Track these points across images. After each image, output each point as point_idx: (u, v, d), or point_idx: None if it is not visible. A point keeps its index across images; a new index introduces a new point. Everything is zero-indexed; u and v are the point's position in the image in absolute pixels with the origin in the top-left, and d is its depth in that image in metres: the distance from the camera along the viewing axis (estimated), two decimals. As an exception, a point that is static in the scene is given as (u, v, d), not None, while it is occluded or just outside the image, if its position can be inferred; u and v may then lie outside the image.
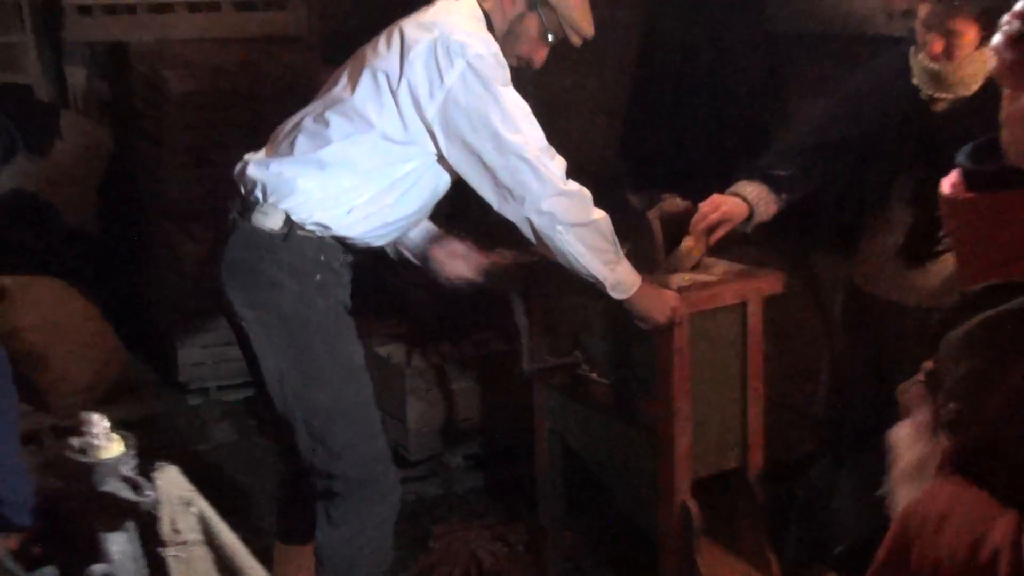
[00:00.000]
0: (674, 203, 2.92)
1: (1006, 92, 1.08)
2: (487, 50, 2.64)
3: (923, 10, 2.53)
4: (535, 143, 2.63)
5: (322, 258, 2.71)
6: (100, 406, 1.67)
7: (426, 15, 2.74)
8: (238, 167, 2.81)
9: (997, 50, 1.08)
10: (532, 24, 2.79)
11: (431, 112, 2.63)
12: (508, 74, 2.69)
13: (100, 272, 4.71)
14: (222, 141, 4.56)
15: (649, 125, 3.56)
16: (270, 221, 2.68)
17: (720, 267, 2.93)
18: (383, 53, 2.70)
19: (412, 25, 2.70)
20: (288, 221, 2.68)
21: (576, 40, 2.83)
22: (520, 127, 2.62)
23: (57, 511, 1.73)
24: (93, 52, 5.37)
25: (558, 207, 2.59)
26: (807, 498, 3.09)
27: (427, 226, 3.01)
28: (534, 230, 2.62)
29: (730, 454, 2.94)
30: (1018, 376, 0.88)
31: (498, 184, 2.61)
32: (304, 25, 5.50)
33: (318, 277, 2.71)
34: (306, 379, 2.70)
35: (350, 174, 2.73)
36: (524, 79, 2.81)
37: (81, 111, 5.24)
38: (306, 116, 2.78)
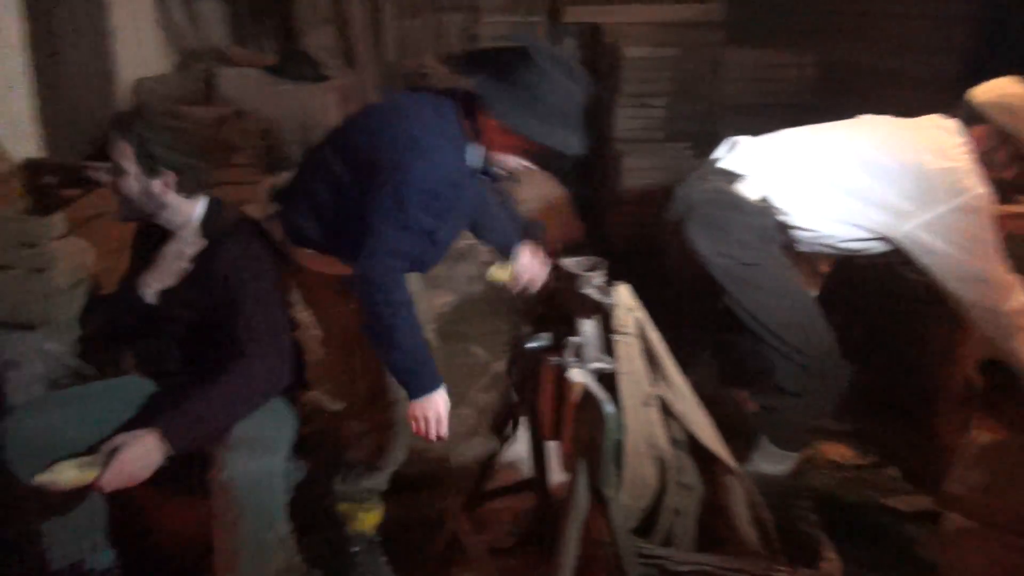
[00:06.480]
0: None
1: None
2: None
3: None
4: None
5: None
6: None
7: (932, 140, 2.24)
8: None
9: None
10: (1003, 152, 2.24)
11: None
12: None
13: (574, 170, 4.79)
14: (657, 91, 4.52)
15: None
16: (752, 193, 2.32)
17: None
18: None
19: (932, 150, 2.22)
20: None
21: None
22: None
23: (553, 303, 1.82)
24: (577, 28, 5.46)
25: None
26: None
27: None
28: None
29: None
30: None
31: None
32: (718, 14, 5.26)
33: None
34: None
35: None
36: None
37: (568, 68, 5.36)
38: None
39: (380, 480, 2.28)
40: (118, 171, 1.90)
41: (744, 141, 2.43)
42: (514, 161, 1.93)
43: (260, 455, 1.80)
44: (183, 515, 2.11)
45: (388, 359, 1.88)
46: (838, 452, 2.87)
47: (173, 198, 1.94)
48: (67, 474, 1.67)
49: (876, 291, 2.84)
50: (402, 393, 1.94)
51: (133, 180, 1.90)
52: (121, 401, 2.00)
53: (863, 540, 2.37)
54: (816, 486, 2.67)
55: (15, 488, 1.86)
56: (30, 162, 2.95)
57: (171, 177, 1.91)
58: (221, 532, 1.82)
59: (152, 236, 2.01)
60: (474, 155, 1.89)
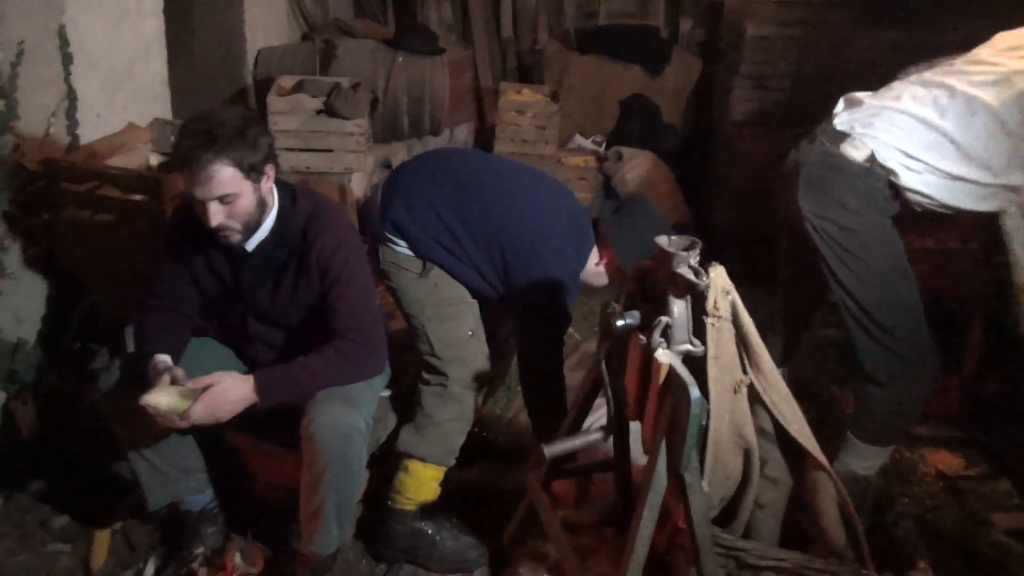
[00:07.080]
0: None
1: None
2: None
3: None
4: None
5: None
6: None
7: None
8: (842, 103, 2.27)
9: None
10: None
11: None
12: None
13: (681, 152, 4.74)
14: (778, 72, 4.35)
15: None
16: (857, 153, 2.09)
17: None
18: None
19: None
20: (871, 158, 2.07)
21: None
22: None
23: (644, 281, 1.77)
24: (698, 6, 5.29)
25: None
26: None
27: None
28: None
29: None
30: None
31: None
32: (848, -7, 4.98)
33: None
34: None
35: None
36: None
37: (684, 47, 5.23)
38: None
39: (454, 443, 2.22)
40: (229, 200, 1.76)
41: (858, 97, 2.22)
42: (599, 279, 2.35)
43: (346, 410, 1.86)
44: (281, 466, 2.20)
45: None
46: (943, 460, 2.70)
47: (271, 191, 1.88)
48: (166, 400, 1.78)
49: (998, 290, 2.66)
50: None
51: (249, 197, 1.80)
52: (221, 358, 2.10)
53: (962, 555, 2.23)
54: (916, 493, 2.53)
55: (111, 424, 2.00)
56: (158, 121, 3.11)
57: (271, 168, 1.84)
58: (307, 484, 1.89)
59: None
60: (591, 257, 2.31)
